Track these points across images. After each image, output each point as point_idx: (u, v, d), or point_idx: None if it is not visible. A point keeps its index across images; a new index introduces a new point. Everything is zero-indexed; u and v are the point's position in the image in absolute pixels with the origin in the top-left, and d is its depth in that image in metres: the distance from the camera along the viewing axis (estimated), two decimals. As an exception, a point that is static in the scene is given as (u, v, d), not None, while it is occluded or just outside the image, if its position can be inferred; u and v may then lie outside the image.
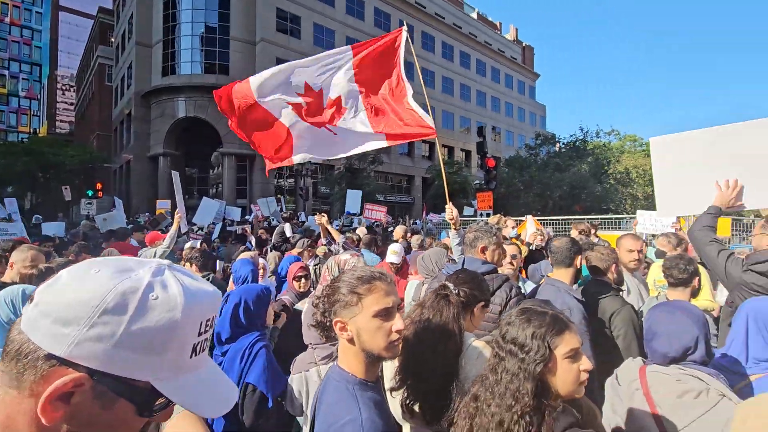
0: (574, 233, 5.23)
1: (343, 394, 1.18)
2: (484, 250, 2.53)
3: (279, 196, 26.71)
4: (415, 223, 17.58)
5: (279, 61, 27.97)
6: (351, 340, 1.21)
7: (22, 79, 68.74)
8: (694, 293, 2.72)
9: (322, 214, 6.30)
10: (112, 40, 39.87)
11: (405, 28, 3.79)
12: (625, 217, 12.93)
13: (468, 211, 17.60)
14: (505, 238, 5.17)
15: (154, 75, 28.39)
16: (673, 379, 1.55)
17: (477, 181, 27.50)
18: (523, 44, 51.99)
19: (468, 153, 39.56)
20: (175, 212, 4.86)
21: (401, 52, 3.76)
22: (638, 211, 7.25)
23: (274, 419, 1.94)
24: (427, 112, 3.61)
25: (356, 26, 32.00)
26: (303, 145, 3.96)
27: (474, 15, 45.58)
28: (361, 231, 6.79)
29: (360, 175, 26.44)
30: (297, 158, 4.00)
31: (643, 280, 3.57)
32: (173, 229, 5.02)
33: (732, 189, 2.51)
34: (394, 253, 4.34)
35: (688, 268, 2.57)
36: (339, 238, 5.97)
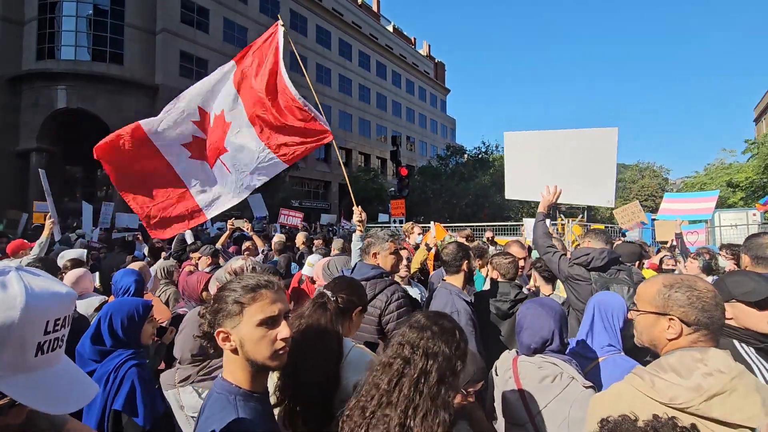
0: (460, 239, 5.76)
1: (222, 406, 1.14)
2: (375, 255, 2.65)
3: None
4: (332, 228, 17.51)
5: (184, 55, 26.02)
6: (234, 350, 1.18)
7: None
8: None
9: (244, 219, 5.95)
10: (-32, 11, 33.30)
11: (280, 22, 3.68)
12: (520, 225, 14.41)
13: (383, 217, 18.04)
14: (411, 246, 5.44)
15: (26, 57, 24.21)
16: (535, 366, 1.77)
17: (392, 189, 28.36)
18: (436, 60, 55.17)
19: (384, 161, 40.59)
20: (47, 217, 4.21)
21: (280, 48, 3.61)
22: (524, 219, 8.20)
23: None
24: (320, 111, 3.49)
25: (270, 25, 31.01)
26: (209, 196, 3.73)
27: (390, 28, 47.18)
28: (279, 238, 6.56)
29: (274, 180, 25.53)
30: (211, 212, 3.74)
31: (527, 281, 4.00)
32: (44, 236, 4.33)
33: (553, 195, 3.05)
34: (310, 265, 4.08)
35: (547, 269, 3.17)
36: (263, 245, 5.70)
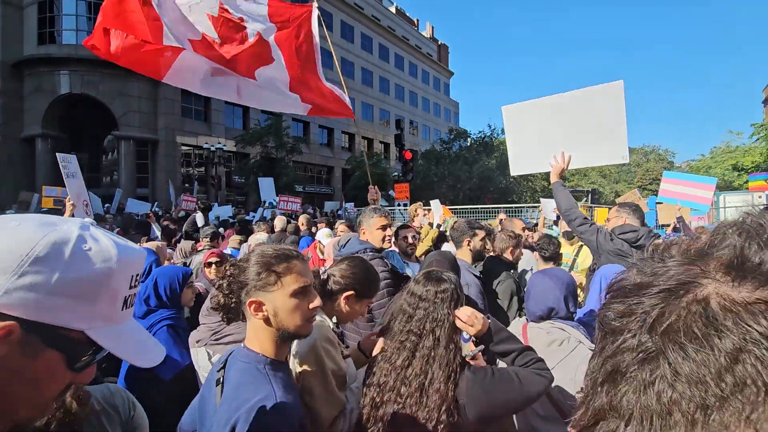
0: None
1: (253, 374, 1.16)
2: (364, 231, 2.80)
3: (186, 185, 24.80)
4: (339, 213, 17.67)
5: (185, 39, 25.75)
6: (267, 320, 1.19)
7: None
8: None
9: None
10: (-33, -5, 32.95)
11: (316, 4, 3.70)
12: (524, 206, 14.52)
13: (383, 202, 18.11)
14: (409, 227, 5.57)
15: (28, 42, 24.04)
16: (544, 332, 1.88)
17: (396, 173, 28.37)
18: (439, 42, 54.30)
19: (387, 145, 40.45)
20: (66, 199, 4.26)
21: (315, 29, 3.66)
22: (542, 200, 8.23)
23: (165, 395, 1.94)
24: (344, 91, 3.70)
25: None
26: (194, 74, 3.47)
27: (392, 9, 46.32)
28: (281, 220, 6.68)
29: (278, 165, 25.57)
30: (178, 81, 3.46)
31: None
32: (66, 216, 4.43)
33: (563, 161, 2.94)
34: (327, 235, 4.55)
35: (550, 246, 3.30)
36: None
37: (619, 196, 27.37)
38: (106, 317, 0.61)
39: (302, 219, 6.99)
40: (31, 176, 23.10)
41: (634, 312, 0.34)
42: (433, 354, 1.36)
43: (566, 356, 1.78)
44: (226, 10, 3.41)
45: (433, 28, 54.07)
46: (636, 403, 0.31)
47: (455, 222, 3.07)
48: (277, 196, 12.37)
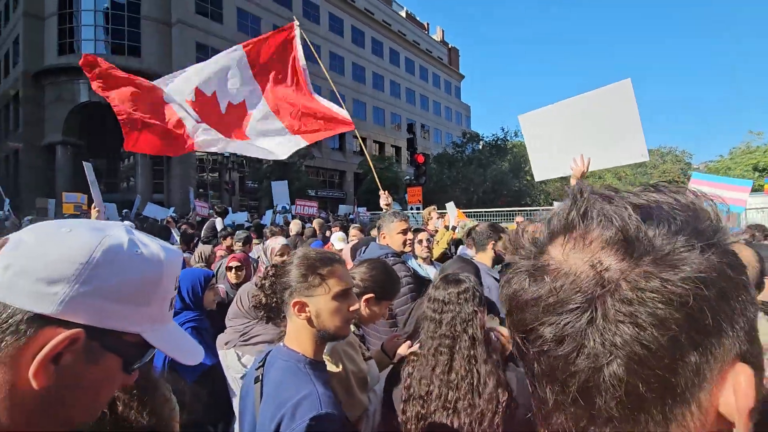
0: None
1: (294, 373, 1.18)
2: (384, 236, 2.79)
3: (201, 190, 25.18)
4: (351, 217, 17.71)
5: (199, 46, 26.24)
6: (309, 321, 1.22)
7: None
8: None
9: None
10: (-9, 8, 34.16)
11: (297, 23, 3.82)
12: (538, 209, 14.38)
13: (396, 206, 18.07)
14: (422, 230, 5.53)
15: (49, 53, 24.83)
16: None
17: (408, 177, 28.36)
18: (450, 46, 54.31)
19: (398, 149, 40.50)
20: (92, 206, 4.35)
21: (298, 47, 3.77)
22: (555, 203, 8.15)
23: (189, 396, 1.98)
24: (339, 104, 3.74)
25: (283, 14, 30.98)
26: (207, 136, 3.82)
27: (403, 13, 46.54)
28: (296, 224, 6.73)
29: (290, 170, 25.79)
30: (203, 143, 3.82)
31: None
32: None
33: (582, 164, 2.86)
34: (341, 239, 4.54)
35: None
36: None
37: (635, 198, 26.76)
38: (157, 319, 0.63)
39: (315, 224, 7.03)
40: (51, 183, 23.73)
41: (568, 335, 0.35)
42: (473, 353, 1.36)
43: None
44: (202, 93, 3.72)
45: (443, 31, 54.13)
46: (612, 401, 0.33)
47: (477, 225, 3.03)
48: (290, 200, 12.44)
